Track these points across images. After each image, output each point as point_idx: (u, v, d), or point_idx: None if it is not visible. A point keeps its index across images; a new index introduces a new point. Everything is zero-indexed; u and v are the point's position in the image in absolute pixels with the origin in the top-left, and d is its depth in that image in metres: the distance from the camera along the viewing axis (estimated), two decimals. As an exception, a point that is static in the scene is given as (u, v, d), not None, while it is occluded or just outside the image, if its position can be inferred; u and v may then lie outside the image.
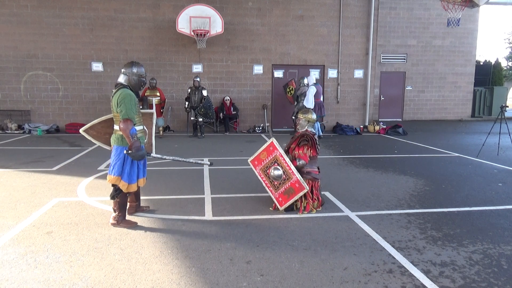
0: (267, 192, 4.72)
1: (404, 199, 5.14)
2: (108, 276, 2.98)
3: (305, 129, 4.71)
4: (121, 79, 3.94)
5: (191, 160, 4.53)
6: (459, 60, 15.49)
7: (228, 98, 12.43)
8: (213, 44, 12.29)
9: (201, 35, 11.44)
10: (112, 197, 3.97)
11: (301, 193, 4.41)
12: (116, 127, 3.91)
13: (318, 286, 2.88)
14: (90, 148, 8.81)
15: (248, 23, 12.59)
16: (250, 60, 12.78)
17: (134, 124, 3.84)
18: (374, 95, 14.35)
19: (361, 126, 13.19)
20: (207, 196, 5.16)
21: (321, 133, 11.24)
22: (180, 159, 4.44)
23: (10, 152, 8.31)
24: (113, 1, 11.89)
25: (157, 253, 3.40)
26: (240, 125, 12.88)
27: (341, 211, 4.62)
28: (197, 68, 12.53)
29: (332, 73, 13.30)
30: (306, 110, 4.86)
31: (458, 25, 11.02)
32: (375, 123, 13.17)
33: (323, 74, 13.27)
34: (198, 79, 11.20)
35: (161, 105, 11.14)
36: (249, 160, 4.84)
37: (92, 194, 5.18)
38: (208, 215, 4.42)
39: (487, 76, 18.86)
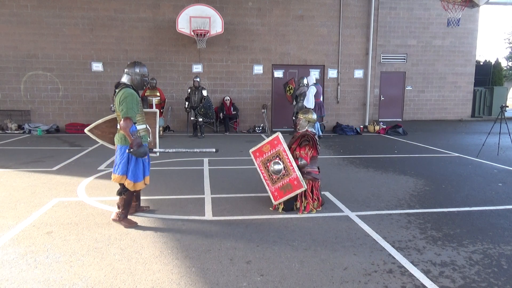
0: (267, 192, 4.72)
1: (404, 199, 5.14)
2: (108, 276, 2.98)
3: (305, 129, 4.71)
4: (124, 79, 3.98)
5: (195, 150, 4.44)
6: (459, 60, 15.49)
7: (228, 98, 12.43)
8: (213, 44, 12.29)
9: (201, 35, 11.44)
10: (120, 193, 4.01)
11: (298, 191, 4.40)
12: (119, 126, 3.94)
13: (318, 286, 2.88)
14: (90, 148, 8.81)
15: (248, 23, 12.59)
16: (250, 60, 12.78)
17: (134, 123, 3.85)
18: (374, 95, 14.35)
19: (361, 126, 13.20)
20: (207, 196, 5.16)
21: (320, 133, 11.25)
22: (184, 149, 4.46)
23: (10, 152, 8.31)
24: (113, 1, 11.90)
25: (157, 253, 3.40)
26: (240, 125, 12.88)
27: (341, 211, 4.62)
28: (197, 68, 12.54)
29: (332, 73, 13.31)
30: (307, 110, 4.86)
31: (458, 25, 11.02)
32: (375, 123, 13.17)
33: (323, 74, 13.27)
34: (198, 79, 11.20)
35: (161, 105, 11.14)
36: (250, 151, 4.83)
37: (92, 194, 5.18)
38: (208, 215, 4.42)
39: (487, 76, 18.86)
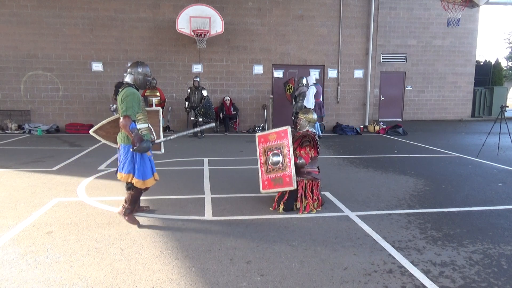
0: (258, 178, 4.74)
1: (404, 199, 5.14)
2: (108, 276, 2.98)
3: (305, 129, 4.71)
4: (127, 78, 4.02)
5: (195, 130, 5.03)
6: (459, 60, 15.48)
7: (228, 98, 12.43)
8: (213, 44, 12.29)
9: (201, 35, 11.44)
10: (128, 188, 4.07)
11: (287, 188, 4.45)
12: None
13: (318, 286, 2.88)
14: (90, 148, 8.81)
15: (248, 23, 12.59)
16: (250, 60, 12.78)
17: (134, 121, 3.87)
18: (374, 95, 14.35)
19: (361, 126, 13.20)
20: (207, 196, 5.16)
21: (320, 133, 11.24)
22: (184, 132, 4.72)
23: (10, 152, 8.31)
24: (113, 1, 11.89)
25: (157, 253, 3.40)
26: (240, 125, 12.88)
27: (341, 211, 4.62)
28: (197, 68, 12.54)
29: (332, 73, 13.31)
30: (307, 110, 4.87)
31: (458, 25, 11.02)
32: (375, 123, 13.17)
33: (323, 74, 13.27)
34: (198, 79, 11.20)
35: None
36: (256, 135, 4.85)
37: (92, 194, 5.18)
38: (208, 215, 4.42)
39: (487, 76, 18.85)
